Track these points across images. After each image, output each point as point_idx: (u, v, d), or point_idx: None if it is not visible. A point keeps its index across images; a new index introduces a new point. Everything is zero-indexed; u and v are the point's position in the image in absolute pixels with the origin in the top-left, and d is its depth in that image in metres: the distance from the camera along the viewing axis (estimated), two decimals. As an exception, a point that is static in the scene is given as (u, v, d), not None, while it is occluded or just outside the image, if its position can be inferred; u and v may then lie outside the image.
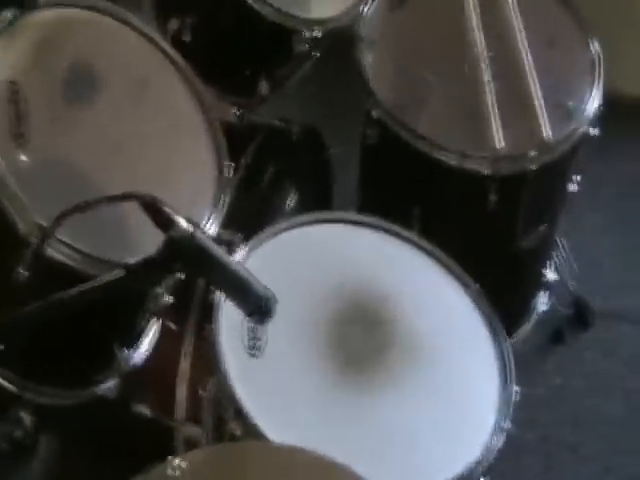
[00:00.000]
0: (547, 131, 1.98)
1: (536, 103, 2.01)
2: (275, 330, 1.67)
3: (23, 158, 1.61)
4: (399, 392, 1.68)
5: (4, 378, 1.80)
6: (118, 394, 1.92)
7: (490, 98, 2.01)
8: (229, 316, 1.68)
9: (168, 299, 1.74)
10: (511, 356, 1.74)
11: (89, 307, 1.58)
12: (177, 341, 1.94)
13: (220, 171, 1.79)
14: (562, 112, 2.02)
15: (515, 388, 1.70)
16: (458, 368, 1.73)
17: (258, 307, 1.37)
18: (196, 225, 1.35)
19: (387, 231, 1.87)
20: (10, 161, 1.58)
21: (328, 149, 2.35)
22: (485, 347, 1.76)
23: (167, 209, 1.37)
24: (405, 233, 1.87)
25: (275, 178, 2.20)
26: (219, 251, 1.36)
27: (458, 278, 1.83)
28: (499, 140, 1.97)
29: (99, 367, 1.88)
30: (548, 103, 2.01)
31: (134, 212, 1.52)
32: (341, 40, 2.11)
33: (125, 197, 1.39)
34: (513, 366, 1.72)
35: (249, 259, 1.74)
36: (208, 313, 1.88)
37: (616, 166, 2.85)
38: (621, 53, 2.14)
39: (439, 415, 1.67)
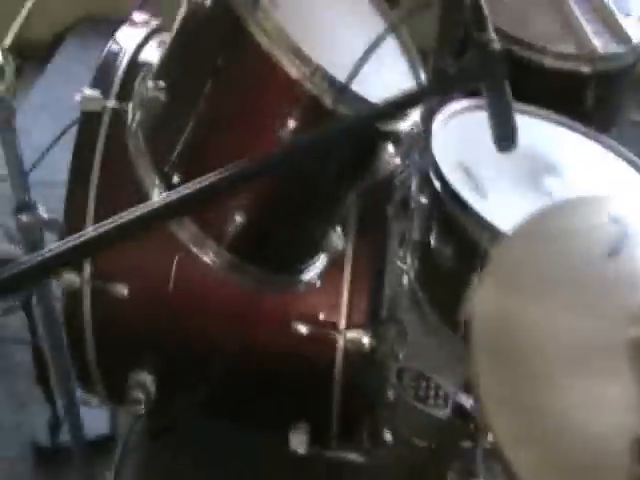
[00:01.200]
0: (630, 34, 2.36)
1: (615, 13, 2.40)
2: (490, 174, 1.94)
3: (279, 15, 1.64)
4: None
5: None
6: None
7: (578, 13, 2.38)
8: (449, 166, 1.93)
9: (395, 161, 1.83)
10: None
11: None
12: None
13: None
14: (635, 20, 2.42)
15: None
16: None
17: (511, 133, 1.60)
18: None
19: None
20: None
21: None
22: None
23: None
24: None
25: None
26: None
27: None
28: (595, 44, 2.32)
29: (311, 247, 1.85)
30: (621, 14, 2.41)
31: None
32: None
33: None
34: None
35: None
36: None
37: None
38: None
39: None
